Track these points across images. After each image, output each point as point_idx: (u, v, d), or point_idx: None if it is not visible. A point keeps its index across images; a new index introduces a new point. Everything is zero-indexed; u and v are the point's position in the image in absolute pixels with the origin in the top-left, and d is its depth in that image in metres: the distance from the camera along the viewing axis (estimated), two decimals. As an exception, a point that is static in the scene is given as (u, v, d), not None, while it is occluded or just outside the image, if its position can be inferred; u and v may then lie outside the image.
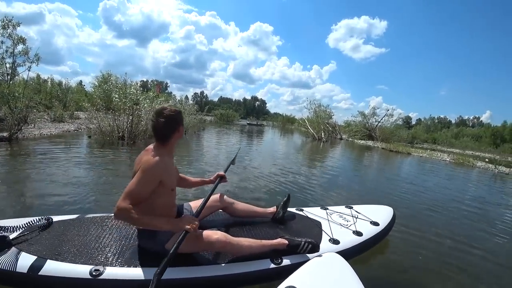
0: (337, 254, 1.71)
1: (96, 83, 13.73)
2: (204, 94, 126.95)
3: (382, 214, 2.71)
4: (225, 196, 2.21)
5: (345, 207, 2.84)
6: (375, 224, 2.47)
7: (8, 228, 1.73)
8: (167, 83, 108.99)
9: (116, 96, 7.50)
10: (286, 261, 1.79)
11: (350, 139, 24.05)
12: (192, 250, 1.68)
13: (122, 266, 1.58)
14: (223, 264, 1.70)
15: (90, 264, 1.55)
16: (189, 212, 1.95)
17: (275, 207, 2.43)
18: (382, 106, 27.67)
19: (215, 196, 2.11)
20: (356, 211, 2.73)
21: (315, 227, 2.33)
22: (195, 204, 2.03)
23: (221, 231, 1.78)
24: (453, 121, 79.62)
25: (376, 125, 26.46)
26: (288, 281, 1.37)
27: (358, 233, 2.27)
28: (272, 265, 1.75)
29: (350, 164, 9.35)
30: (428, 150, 18.68)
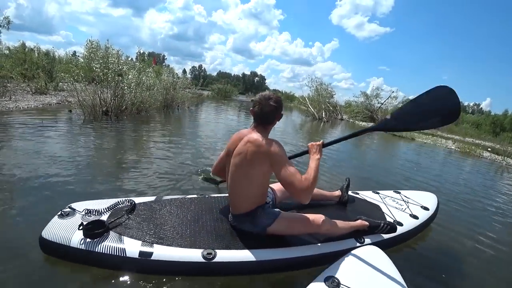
0: (377, 247, 1.73)
1: (85, 52, 12.50)
2: (203, 68, 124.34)
3: (428, 199, 2.85)
4: None
5: (394, 191, 3.00)
6: (426, 209, 2.62)
7: (95, 211, 1.76)
8: (164, 56, 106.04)
9: (97, 65, 6.65)
10: (367, 240, 1.97)
11: (351, 120, 23.34)
12: (301, 231, 1.81)
13: (230, 249, 1.63)
14: (319, 244, 1.83)
15: (198, 247, 1.59)
16: (271, 194, 2.06)
17: (339, 190, 2.56)
18: (383, 87, 26.71)
19: None
20: (405, 196, 2.88)
21: (376, 210, 2.50)
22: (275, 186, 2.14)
23: (300, 212, 1.94)
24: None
25: (379, 107, 25.66)
26: (329, 271, 1.43)
27: (415, 217, 2.43)
28: (358, 244, 1.91)
29: (354, 148, 8.73)
30: (430, 136, 18.02)
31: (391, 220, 2.26)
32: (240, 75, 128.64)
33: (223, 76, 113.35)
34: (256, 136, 1.60)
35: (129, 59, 10.19)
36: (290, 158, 1.83)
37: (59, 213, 1.71)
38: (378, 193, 2.90)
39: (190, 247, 1.59)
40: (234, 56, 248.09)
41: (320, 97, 21.55)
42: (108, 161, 3.73)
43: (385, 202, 2.66)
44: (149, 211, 1.89)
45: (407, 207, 2.60)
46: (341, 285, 1.33)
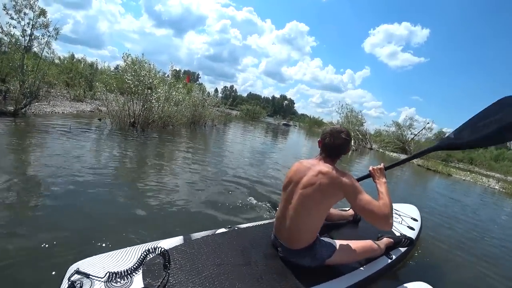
0: (425, 283, 1.68)
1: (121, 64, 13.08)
2: (234, 88, 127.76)
3: (412, 210, 3.09)
4: None
5: None
6: (415, 220, 2.83)
7: (122, 274, 1.28)
8: (198, 74, 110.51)
9: (129, 77, 6.81)
10: (394, 256, 2.07)
11: (381, 150, 22.43)
12: (356, 259, 1.81)
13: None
14: (362, 268, 1.81)
15: None
16: None
17: (351, 209, 2.56)
18: (416, 118, 25.61)
19: None
20: (395, 209, 2.95)
21: None
22: None
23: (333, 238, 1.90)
24: (493, 142, 74.26)
25: (412, 139, 24.56)
26: None
27: (411, 228, 2.62)
28: (389, 260, 2.00)
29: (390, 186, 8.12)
30: (469, 173, 16.69)
31: (401, 234, 2.37)
32: (270, 98, 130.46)
33: (253, 98, 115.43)
34: (327, 167, 1.57)
35: (165, 75, 10.42)
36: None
37: (65, 286, 1.17)
38: None
39: None
40: (265, 79, 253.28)
41: (350, 124, 21.02)
42: (122, 181, 3.29)
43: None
44: (185, 258, 1.54)
45: (402, 219, 2.76)
46: None
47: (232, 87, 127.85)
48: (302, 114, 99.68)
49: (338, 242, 1.76)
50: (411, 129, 25.14)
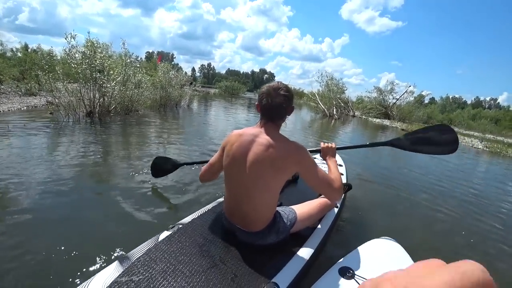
0: (391, 239, 1.69)
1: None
2: (212, 66, 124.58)
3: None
4: None
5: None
6: (340, 165, 3.12)
7: None
8: (173, 55, 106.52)
9: (74, 61, 5.83)
10: (338, 204, 2.14)
11: (363, 116, 22.20)
12: (317, 218, 1.77)
13: (279, 270, 1.35)
14: (319, 226, 1.79)
15: None
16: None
17: None
18: (396, 82, 25.33)
19: None
20: (320, 158, 2.82)
21: None
22: None
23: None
24: (469, 102, 77.02)
25: (394, 103, 24.36)
26: (343, 262, 1.42)
27: (341, 174, 2.36)
28: (336, 209, 2.06)
29: (376, 152, 7.72)
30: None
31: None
32: (249, 73, 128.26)
33: (232, 74, 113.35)
34: (275, 138, 1.37)
35: (138, 58, 9.41)
36: None
37: None
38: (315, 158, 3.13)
39: None
40: (243, 54, 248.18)
41: (331, 92, 20.45)
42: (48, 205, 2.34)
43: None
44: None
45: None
46: (355, 276, 1.31)
47: (209, 65, 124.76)
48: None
49: (296, 208, 1.67)
50: (392, 93, 24.90)
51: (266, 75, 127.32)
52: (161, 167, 2.70)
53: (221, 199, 1.91)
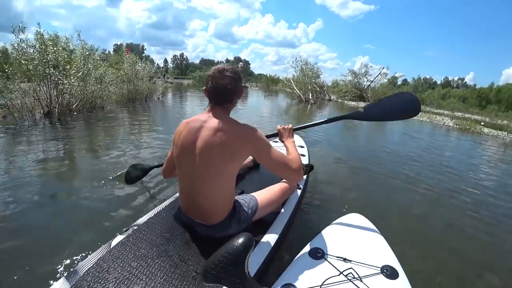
0: (359, 214, 1.69)
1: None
2: (185, 57, 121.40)
3: (297, 139, 3.29)
4: None
5: (272, 141, 2.68)
6: (301, 147, 3.18)
7: None
8: (143, 46, 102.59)
9: (23, 56, 5.24)
10: (301, 185, 2.12)
11: (339, 100, 22.36)
12: (279, 203, 1.73)
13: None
14: (283, 210, 1.74)
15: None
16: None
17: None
18: (369, 66, 25.75)
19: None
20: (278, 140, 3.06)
21: None
22: None
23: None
24: (439, 82, 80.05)
25: (369, 85, 24.67)
26: (313, 243, 1.40)
27: (302, 155, 2.82)
28: (299, 191, 2.03)
29: (351, 133, 7.68)
30: (422, 113, 17.14)
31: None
32: (224, 61, 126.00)
33: (206, 64, 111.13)
34: (224, 121, 1.26)
35: (106, 51, 8.80)
36: None
37: None
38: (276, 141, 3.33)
39: None
40: (216, 42, 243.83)
41: (306, 77, 20.36)
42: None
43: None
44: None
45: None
46: (326, 255, 1.29)
47: (182, 55, 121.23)
48: (259, 74, 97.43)
49: (256, 195, 1.61)
50: (367, 76, 25.19)
51: (241, 63, 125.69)
52: (132, 174, 2.58)
53: (177, 194, 1.77)
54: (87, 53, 6.70)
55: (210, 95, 1.32)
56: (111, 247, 1.27)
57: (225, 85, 1.26)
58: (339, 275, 1.18)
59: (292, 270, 1.24)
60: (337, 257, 1.28)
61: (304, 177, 2.30)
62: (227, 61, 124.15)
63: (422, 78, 74.19)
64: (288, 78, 21.28)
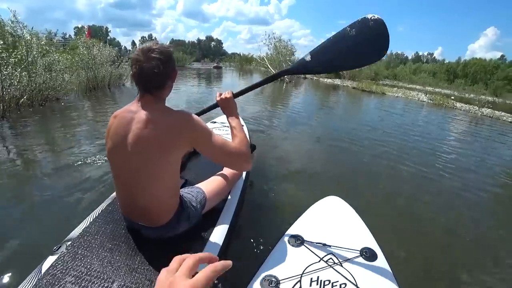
0: (336, 197, 1.67)
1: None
2: (153, 38, 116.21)
3: None
4: None
5: (210, 122, 3.28)
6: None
7: None
8: (107, 28, 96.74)
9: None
10: None
11: (315, 77, 22.11)
12: (227, 189, 1.64)
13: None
14: (230, 197, 1.67)
15: None
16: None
17: None
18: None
19: None
20: (221, 122, 3.25)
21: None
22: None
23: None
24: (410, 57, 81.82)
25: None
26: (292, 230, 1.39)
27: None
28: (244, 173, 1.95)
29: (328, 112, 7.39)
30: (397, 89, 17.39)
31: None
32: (196, 41, 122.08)
33: (177, 44, 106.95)
34: (156, 110, 1.09)
35: (67, 36, 7.75)
36: (198, 114, 1.45)
37: None
38: (215, 122, 3.24)
39: None
40: (186, 21, 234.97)
41: (280, 55, 19.81)
42: None
43: (222, 129, 2.90)
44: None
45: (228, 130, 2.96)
46: (305, 242, 1.29)
47: (150, 36, 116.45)
48: (233, 53, 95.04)
49: (203, 187, 1.48)
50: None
51: (213, 43, 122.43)
52: None
53: (114, 194, 1.53)
54: (29, 37, 5.79)
55: (137, 82, 1.10)
56: (42, 273, 1.04)
57: (151, 68, 1.05)
58: (319, 261, 1.19)
59: (272, 260, 1.21)
60: (316, 243, 1.27)
61: None
62: (199, 41, 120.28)
63: (394, 53, 75.42)
64: (262, 57, 20.63)
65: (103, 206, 1.47)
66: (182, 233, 1.28)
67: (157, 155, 1.08)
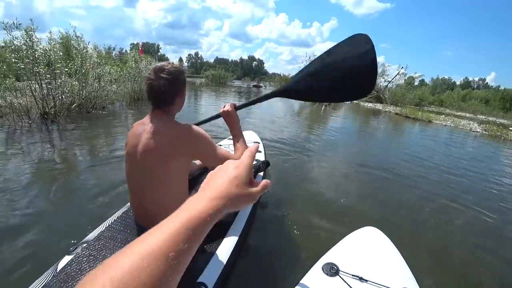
0: (375, 228, 1.59)
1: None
2: (199, 55, 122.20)
3: (252, 135, 3.49)
4: None
5: (227, 139, 3.33)
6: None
7: None
8: (159, 45, 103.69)
9: (13, 54, 4.84)
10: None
11: (355, 101, 21.55)
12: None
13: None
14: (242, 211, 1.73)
15: None
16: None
17: None
18: (386, 65, 24.63)
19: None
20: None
21: None
22: None
23: None
24: (458, 83, 77.31)
25: (386, 86, 23.68)
26: (327, 257, 1.34)
27: (259, 151, 2.74)
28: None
29: (368, 138, 7.02)
30: (444, 116, 16.09)
31: (257, 160, 2.38)
32: (238, 60, 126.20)
33: (221, 62, 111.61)
34: (162, 123, 1.20)
35: (123, 50, 8.63)
36: (199, 123, 1.64)
37: None
38: (220, 145, 3.24)
39: None
40: (231, 41, 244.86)
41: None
42: None
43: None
44: None
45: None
46: (340, 272, 1.22)
47: (197, 54, 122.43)
48: (273, 73, 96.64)
49: None
50: (384, 76, 24.18)
51: (255, 62, 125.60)
52: None
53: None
54: (85, 51, 6.30)
55: (148, 98, 1.23)
56: (58, 271, 1.13)
57: (159, 86, 1.17)
58: None
59: (304, 285, 1.19)
60: (352, 275, 1.21)
61: (261, 174, 2.31)
62: (241, 60, 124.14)
63: (440, 78, 71.69)
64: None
65: (119, 213, 1.55)
66: None
67: (163, 164, 1.17)
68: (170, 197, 1.22)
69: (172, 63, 1.25)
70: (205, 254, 1.31)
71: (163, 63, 1.21)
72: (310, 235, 2.16)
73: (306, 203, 2.74)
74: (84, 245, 1.27)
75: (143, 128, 1.21)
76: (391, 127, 9.75)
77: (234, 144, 1.47)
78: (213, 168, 0.52)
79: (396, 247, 1.43)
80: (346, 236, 1.52)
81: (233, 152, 1.39)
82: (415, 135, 8.46)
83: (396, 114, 14.41)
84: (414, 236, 2.35)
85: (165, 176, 1.20)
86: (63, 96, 5.62)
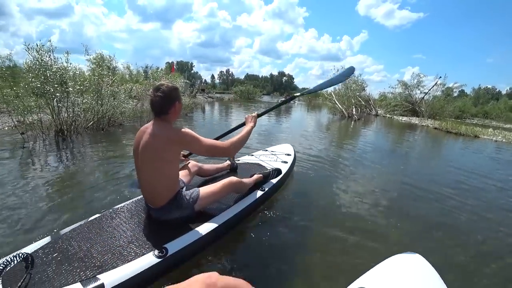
0: (418, 255, 1.46)
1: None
2: (230, 72, 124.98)
3: (287, 148, 3.83)
4: (194, 162, 2.53)
5: (263, 150, 3.84)
6: (288, 155, 3.52)
7: None
8: (192, 63, 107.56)
9: (30, 74, 4.93)
10: (266, 188, 2.46)
11: (387, 115, 20.33)
12: (222, 195, 2.03)
13: (176, 238, 1.65)
14: (235, 205, 2.10)
15: (146, 252, 1.50)
16: (181, 181, 2.11)
17: (228, 160, 3.00)
18: (421, 76, 22.82)
19: (192, 163, 2.48)
20: (272, 150, 3.76)
21: (259, 166, 3.10)
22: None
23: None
24: (504, 92, 71.35)
25: (423, 98, 22.13)
26: (360, 282, 1.26)
27: (285, 162, 3.23)
28: (261, 192, 2.39)
29: (404, 155, 6.28)
30: (492, 129, 14.38)
31: (272, 169, 2.72)
32: (268, 76, 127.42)
33: (251, 79, 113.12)
34: (159, 126, 1.66)
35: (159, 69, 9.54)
36: (228, 132, 2.52)
37: None
38: (253, 155, 3.60)
39: (138, 256, 1.47)
40: (261, 58, 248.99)
41: (349, 90, 18.79)
42: None
43: (261, 159, 3.33)
44: (52, 254, 1.45)
45: (277, 157, 3.41)
46: None
47: (228, 71, 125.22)
48: (303, 88, 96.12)
49: (200, 188, 1.95)
50: (419, 87, 22.60)
51: (285, 78, 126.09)
52: None
53: None
54: (104, 71, 6.39)
55: (151, 109, 1.70)
56: (89, 220, 1.79)
57: (157, 102, 1.65)
58: None
59: None
60: None
61: (273, 180, 2.64)
62: (271, 76, 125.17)
63: (483, 88, 66.20)
64: (330, 92, 19.83)
65: (136, 198, 2.16)
66: (175, 219, 1.78)
67: (155, 156, 1.63)
68: (159, 181, 1.70)
69: (167, 82, 1.70)
70: (183, 229, 1.70)
71: (161, 82, 1.70)
72: (343, 254, 2.05)
73: (339, 219, 2.61)
74: (111, 210, 1.92)
75: (144, 130, 1.69)
76: (430, 144, 8.84)
77: (238, 134, 1.98)
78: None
79: (443, 279, 1.30)
80: (384, 261, 1.41)
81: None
82: (460, 152, 7.50)
83: (435, 128, 13.20)
84: (464, 268, 2.06)
85: (159, 166, 1.65)
86: (72, 114, 5.63)
